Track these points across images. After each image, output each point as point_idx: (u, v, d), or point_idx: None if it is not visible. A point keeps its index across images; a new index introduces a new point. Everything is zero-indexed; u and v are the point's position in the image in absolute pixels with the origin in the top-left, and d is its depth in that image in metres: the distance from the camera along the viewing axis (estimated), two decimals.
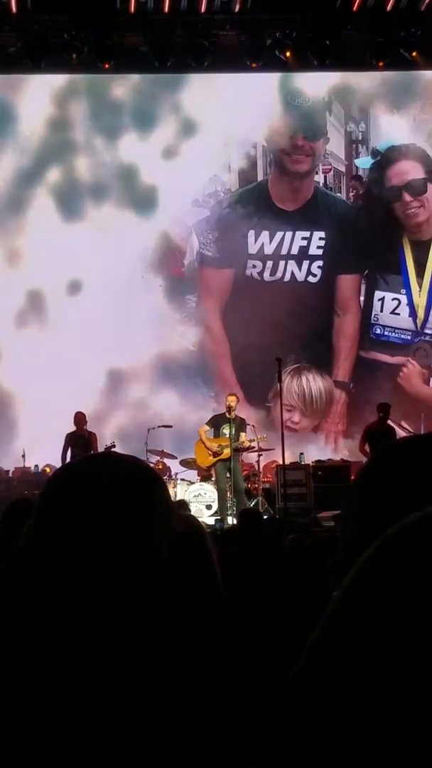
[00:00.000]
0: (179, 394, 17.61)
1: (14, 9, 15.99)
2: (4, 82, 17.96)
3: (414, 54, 17.09)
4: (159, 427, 15.91)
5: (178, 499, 13.16)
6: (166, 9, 16.25)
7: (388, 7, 16.51)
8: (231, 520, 13.55)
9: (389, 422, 14.98)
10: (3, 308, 17.50)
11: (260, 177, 18.49)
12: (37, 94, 17.78)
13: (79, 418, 15.09)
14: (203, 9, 16.35)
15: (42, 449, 16.42)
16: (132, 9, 16.21)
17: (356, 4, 16.38)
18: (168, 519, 1.73)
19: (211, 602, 2.96)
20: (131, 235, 17.70)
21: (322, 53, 16.92)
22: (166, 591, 1.68)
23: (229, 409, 14.80)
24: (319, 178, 18.42)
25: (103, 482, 1.68)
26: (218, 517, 14.41)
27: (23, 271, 17.69)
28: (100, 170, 18.00)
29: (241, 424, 14.98)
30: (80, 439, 14.65)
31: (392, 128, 18.56)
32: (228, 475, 14.67)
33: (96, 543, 1.60)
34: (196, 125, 18.07)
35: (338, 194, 18.56)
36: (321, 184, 18.42)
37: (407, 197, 18.10)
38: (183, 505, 8.04)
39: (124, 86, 17.98)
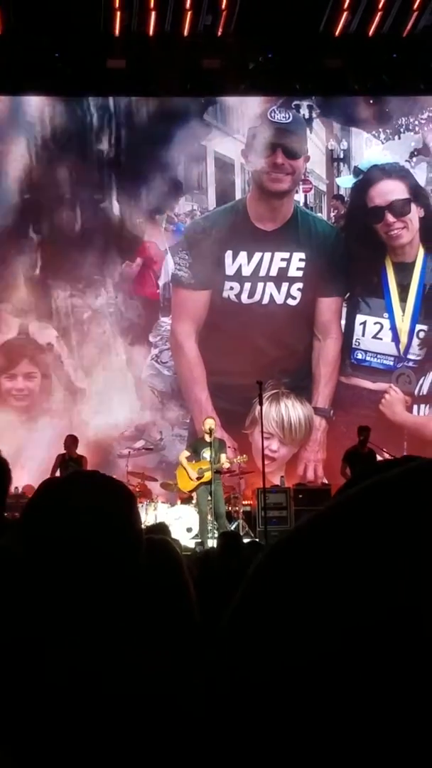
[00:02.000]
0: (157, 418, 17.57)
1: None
2: None
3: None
4: (140, 449, 15.91)
5: (158, 521, 13.10)
6: (151, 32, 16.31)
7: (370, 33, 16.63)
8: (211, 543, 13.50)
9: (370, 445, 14.95)
10: None
11: (238, 196, 18.20)
12: None
13: (71, 441, 15.09)
14: (186, 33, 16.41)
15: (22, 471, 16.40)
16: (117, 32, 16.25)
17: (338, 30, 16.49)
18: (139, 536, 1.74)
19: (185, 625, 2.94)
20: None
21: (304, 78, 17.02)
22: (139, 613, 1.69)
23: (210, 432, 14.77)
24: (300, 197, 18.13)
25: (74, 501, 1.71)
26: (199, 540, 14.36)
27: None
28: None
29: (220, 446, 14.96)
30: (71, 461, 14.62)
31: (374, 147, 18.44)
32: (209, 497, 14.63)
33: (69, 556, 1.63)
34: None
35: (319, 214, 18.28)
36: (301, 204, 18.14)
37: (390, 218, 17.83)
38: (162, 528, 7.97)
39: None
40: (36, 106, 17.68)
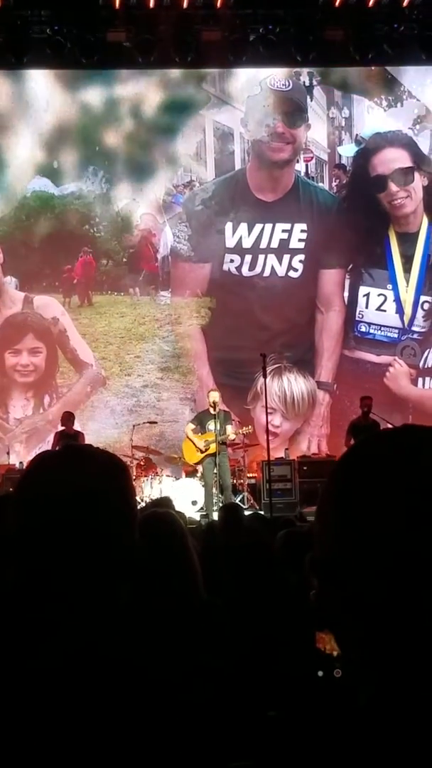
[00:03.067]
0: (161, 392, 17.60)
1: None
2: None
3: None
4: (144, 423, 15.93)
5: (162, 495, 13.13)
6: (151, 4, 16.22)
7: (370, 3, 16.53)
8: (217, 516, 13.54)
9: (373, 416, 14.95)
10: None
11: (238, 166, 18.03)
12: None
13: (67, 418, 15.19)
14: (186, 5, 16.32)
15: (27, 447, 16.53)
16: (117, 5, 16.17)
17: (339, 1, 16.39)
18: (132, 509, 1.74)
19: (190, 597, 2.97)
20: None
21: (305, 49, 16.91)
22: (137, 584, 1.69)
23: (214, 404, 14.78)
24: (301, 167, 17.94)
25: (64, 474, 1.70)
26: (204, 513, 14.41)
27: None
28: None
29: (225, 418, 14.96)
30: (68, 437, 14.68)
31: (377, 114, 18.25)
32: (215, 470, 14.66)
33: (60, 531, 1.62)
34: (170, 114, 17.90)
35: (321, 184, 18.09)
36: (302, 174, 17.94)
37: (393, 187, 17.67)
38: (166, 502, 8.00)
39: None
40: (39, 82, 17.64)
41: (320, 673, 2.94)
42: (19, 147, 17.65)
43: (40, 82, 17.65)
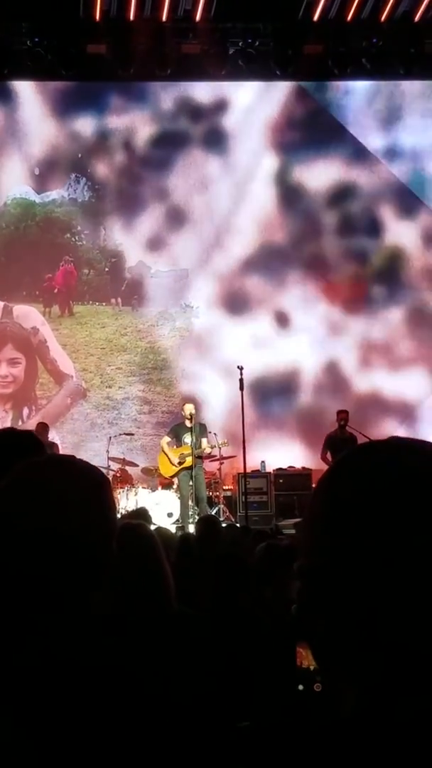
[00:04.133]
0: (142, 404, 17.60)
1: None
2: None
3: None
4: (121, 435, 15.89)
5: (138, 506, 13.10)
6: (131, 17, 16.26)
7: (349, 18, 16.62)
8: (192, 528, 13.52)
9: (349, 429, 14.99)
10: None
11: None
12: None
13: (41, 429, 15.10)
14: (165, 18, 16.37)
15: None
16: (97, 17, 16.20)
17: (317, 15, 16.47)
18: (112, 522, 1.74)
19: (162, 607, 2.96)
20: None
21: (285, 63, 16.99)
22: (114, 597, 1.69)
23: (190, 417, 14.77)
24: None
25: (45, 485, 1.70)
26: (180, 525, 14.38)
27: None
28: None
29: (201, 430, 14.93)
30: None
31: None
32: (190, 483, 14.64)
33: (40, 542, 1.62)
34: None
35: None
36: None
37: None
38: (143, 513, 7.99)
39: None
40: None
41: (300, 687, 2.94)
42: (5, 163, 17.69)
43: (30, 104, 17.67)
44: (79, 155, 17.82)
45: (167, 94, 17.96)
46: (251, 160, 18.05)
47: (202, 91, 18.08)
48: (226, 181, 18.05)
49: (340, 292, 17.93)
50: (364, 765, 1.08)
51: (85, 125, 17.82)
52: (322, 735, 1.13)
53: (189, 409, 14.89)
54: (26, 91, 17.67)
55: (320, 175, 17.99)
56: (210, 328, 17.70)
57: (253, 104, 18.02)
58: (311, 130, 18.08)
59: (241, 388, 14.46)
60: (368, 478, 1.18)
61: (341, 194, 18.06)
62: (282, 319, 17.83)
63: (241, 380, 14.35)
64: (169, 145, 17.96)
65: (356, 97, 18.21)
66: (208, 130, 18.08)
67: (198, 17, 16.42)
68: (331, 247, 18.05)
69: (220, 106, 18.11)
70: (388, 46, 16.97)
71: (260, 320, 17.74)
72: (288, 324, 17.83)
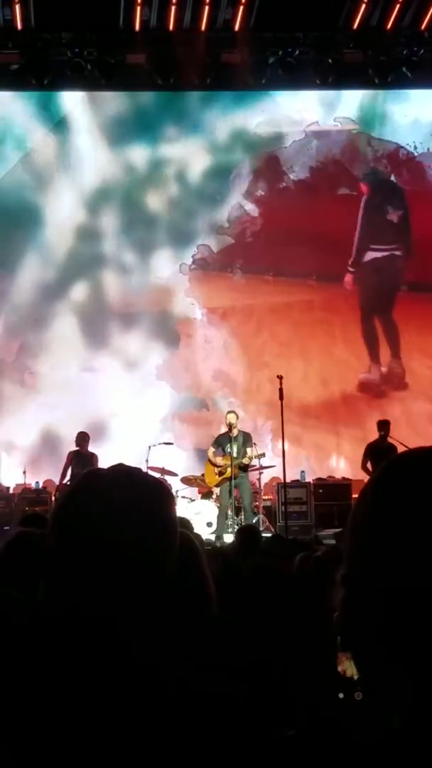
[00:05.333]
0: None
1: (19, 26, 16.04)
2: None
3: None
4: (160, 444, 15.89)
5: (179, 516, 13.09)
6: (171, 27, 16.30)
7: (389, 26, 16.56)
8: (228, 538, 13.50)
9: (390, 440, 14.91)
10: None
11: None
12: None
13: (82, 438, 15.16)
14: (205, 27, 16.38)
15: (41, 466, 16.50)
16: (137, 27, 16.25)
17: (357, 23, 16.43)
18: (176, 535, 1.72)
19: (204, 616, 2.94)
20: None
21: (324, 72, 16.97)
22: (169, 606, 1.68)
23: (230, 427, 14.75)
24: None
25: (109, 496, 1.68)
26: (217, 534, 14.36)
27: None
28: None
29: (245, 440, 14.90)
30: (82, 458, 14.68)
31: None
32: (231, 493, 14.61)
33: (105, 553, 1.60)
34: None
35: None
36: None
37: None
38: (185, 523, 7.98)
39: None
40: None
41: (341, 695, 2.91)
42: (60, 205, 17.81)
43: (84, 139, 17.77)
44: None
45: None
46: None
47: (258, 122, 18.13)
48: None
49: None
50: None
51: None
52: (366, 745, 1.11)
53: (230, 418, 14.88)
54: (80, 120, 17.77)
55: None
56: None
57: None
58: None
59: (281, 398, 14.43)
60: (413, 486, 1.17)
61: None
62: None
63: (280, 390, 14.32)
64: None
65: None
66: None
67: (237, 26, 16.42)
68: None
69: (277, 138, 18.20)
70: (430, 54, 16.90)
71: None
72: None
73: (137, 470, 1.77)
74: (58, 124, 17.65)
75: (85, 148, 17.72)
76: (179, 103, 17.94)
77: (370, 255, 18.16)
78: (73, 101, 17.67)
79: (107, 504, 1.65)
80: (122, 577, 1.59)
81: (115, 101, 17.77)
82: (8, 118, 17.57)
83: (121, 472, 1.75)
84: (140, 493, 1.68)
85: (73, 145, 17.71)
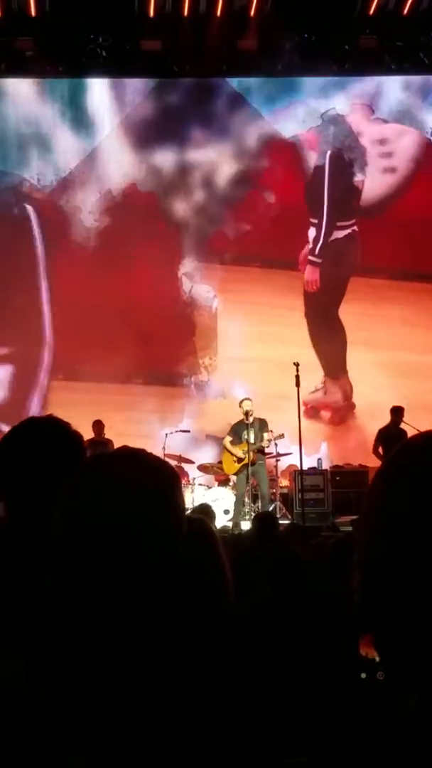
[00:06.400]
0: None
1: (33, 12, 16.03)
2: None
3: None
4: (176, 431, 15.90)
5: (195, 503, 13.11)
6: (186, 13, 16.26)
7: (405, 11, 16.47)
8: (245, 525, 13.53)
9: (403, 425, 14.86)
10: None
11: None
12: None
13: (98, 426, 15.20)
14: (220, 13, 16.32)
15: None
16: (151, 13, 16.22)
17: (373, 8, 16.35)
18: (183, 517, 1.71)
19: (221, 604, 2.94)
20: None
21: (341, 57, 16.92)
22: (181, 590, 1.67)
23: (246, 414, 14.73)
24: None
25: (117, 478, 1.66)
26: (234, 522, 14.38)
27: None
28: None
29: (261, 426, 14.87)
30: (98, 445, 14.69)
31: None
32: (248, 480, 14.61)
33: (109, 535, 1.59)
34: None
35: None
36: None
37: None
38: (205, 509, 8.02)
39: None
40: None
41: (363, 676, 2.92)
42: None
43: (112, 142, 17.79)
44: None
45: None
46: None
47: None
48: None
49: None
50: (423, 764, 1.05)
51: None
52: (384, 728, 1.10)
53: (246, 406, 14.85)
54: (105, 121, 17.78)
55: None
56: None
57: None
58: None
59: (297, 384, 14.42)
60: (426, 468, 1.16)
61: None
62: None
63: (297, 376, 14.31)
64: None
65: None
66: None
67: (252, 12, 16.37)
68: None
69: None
70: None
71: None
72: None
73: (142, 451, 1.76)
74: None
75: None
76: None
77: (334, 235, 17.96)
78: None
79: (112, 487, 1.64)
80: (129, 559, 1.58)
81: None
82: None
83: (126, 454, 1.74)
84: (145, 475, 1.67)
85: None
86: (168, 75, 17.37)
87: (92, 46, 16.49)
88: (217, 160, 17.80)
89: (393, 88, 17.86)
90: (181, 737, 1.59)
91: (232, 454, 14.94)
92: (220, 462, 15.52)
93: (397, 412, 15.08)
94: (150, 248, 17.43)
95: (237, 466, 14.86)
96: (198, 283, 17.84)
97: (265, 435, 14.74)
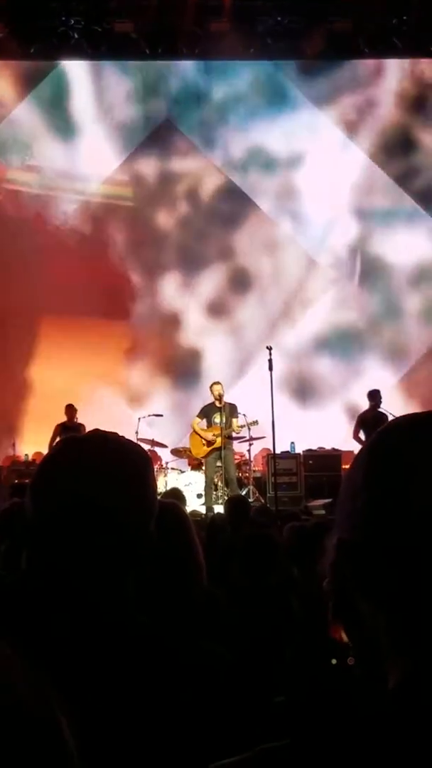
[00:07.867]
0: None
1: None
2: None
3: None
4: (150, 416, 15.86)
5: (167, 488, 13.10)
6: None
7: None
8: (218, 509, 13.52)
9: (381, 409, 14.89)
10: None
11: None
12: None
13: (70, 410, 15.19)
14: None
15: (31, 439, 16.47)
16: None
17: None
18: (154, 500, 1.72)
19: (193, 582, 2.94)
20: None
21: (314, 40, 16.86)
22: (148, 576, 1.68)
23: (219, 397, 14.71)
24: None
25: (89, 461, 1.68)
26: (208, 506, 14.38)
27: None
28: None
29: (231, 411, 14.87)
30: (70, 430, 14.66)
31: None
32: (218, 464, 14.61)
33: (81, 517, 1.61)
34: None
35: None
36: None
37: None
38: (177, 493, 8.00)
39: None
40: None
41: (334, 661, 2.92)
42: None
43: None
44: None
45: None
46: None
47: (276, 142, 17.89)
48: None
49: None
50: (411, 737, 1.05)
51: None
52: (360, 709, 1.10)
53: (218, 389, 14.83)
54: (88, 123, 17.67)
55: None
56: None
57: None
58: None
59: (270, 368, 14.33)
60: (408, 450, 1.15)
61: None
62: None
63: (270, 361, 14.23)
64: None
65: None
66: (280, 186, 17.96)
67: None
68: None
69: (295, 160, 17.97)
70: (419, 22, 16.78)
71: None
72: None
73: (114, 434, 1.77)
74: None
75: None
76: None
77: None
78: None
79: (84, 469, 1.65)
80: (100, 540, 1.60)
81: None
82: None
83: (98, 437, 1.76)
84: (117, 458, 1.69)
85: None
86: (141, 58, 17.25)
87: (64, 28, 16.36)
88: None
89: None
90: (154, 710, 1.60)
91: (201, 437, 14.92)
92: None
93: (374, 396, 15.10)
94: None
95: (206, 449, 14.84)
96: None
97: (234, 421, 14.73)
